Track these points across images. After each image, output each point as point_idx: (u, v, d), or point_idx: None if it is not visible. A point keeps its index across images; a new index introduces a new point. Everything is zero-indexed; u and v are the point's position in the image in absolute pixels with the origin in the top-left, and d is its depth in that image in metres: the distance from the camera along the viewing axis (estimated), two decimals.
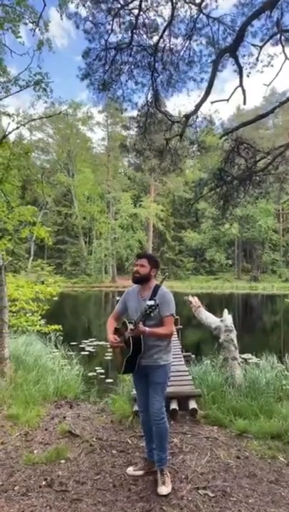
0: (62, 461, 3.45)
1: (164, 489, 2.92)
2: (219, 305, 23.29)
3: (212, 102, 5.82)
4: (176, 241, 51.66)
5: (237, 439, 3.83)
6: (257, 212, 43.67)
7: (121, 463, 3.41)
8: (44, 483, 3.10)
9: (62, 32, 67.76)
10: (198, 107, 5.69)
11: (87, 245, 50.95)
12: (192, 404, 4.28)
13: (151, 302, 2.85)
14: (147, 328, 2.95)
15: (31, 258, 45.38)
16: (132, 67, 7.75)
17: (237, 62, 5.60)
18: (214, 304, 23.50)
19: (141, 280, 3.17)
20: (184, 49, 7.39)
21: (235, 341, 5.65)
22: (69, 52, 64.59)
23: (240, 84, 5.60)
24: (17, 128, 6.90)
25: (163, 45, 7.45)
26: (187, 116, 5.88)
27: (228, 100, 5.82)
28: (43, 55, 7.61)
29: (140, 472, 3.22)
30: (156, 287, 3.15)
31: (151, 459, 3.25)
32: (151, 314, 2.87)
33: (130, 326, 2.97)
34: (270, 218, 45.70)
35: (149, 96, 6.40)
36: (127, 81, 7.83)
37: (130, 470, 3.25)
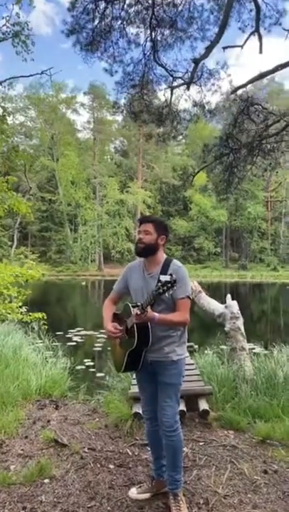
0: (46, 481, 2.74)
1: None
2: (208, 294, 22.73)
3: (224, 48, 5.04)
4: None
5: (260, 446, 3.17)
6: (246, 200, 43.15)
7: (121, 482, 2.71)
8: None
9: (47, 19, 66.23)
10: (209, 49, 4.90)
11: (73, 233, 49.63)
12: (203, 405, 3.59)
13: (167, 277, 2.11)
14: (157, 314, 2.23)
15: (14, 246, 43.91)
16: (125, 23, 6.88)
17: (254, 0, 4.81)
18: None
19: (146, 251, 2.43)
20: (184, 3, 6.55)
21: (243, 329, 5.00)
22: (54, 40, 63.38)
23: (257, 29, 4.82)
24: None
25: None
26: (196, 61, 5.07)
27: (242, 46, 5.04)
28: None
29: (146, 495, 2.54)
30: (167, 261, 2.43)
31: (160, 478, 2.57)
32: (166, 294, 2.13)
33: (135, 311, 2.24)
34: (260, 206, 45.32)
35: (147, 47, 5.55)
36: (118, 39, 6.96)
37: (133, 492, 2.55)
